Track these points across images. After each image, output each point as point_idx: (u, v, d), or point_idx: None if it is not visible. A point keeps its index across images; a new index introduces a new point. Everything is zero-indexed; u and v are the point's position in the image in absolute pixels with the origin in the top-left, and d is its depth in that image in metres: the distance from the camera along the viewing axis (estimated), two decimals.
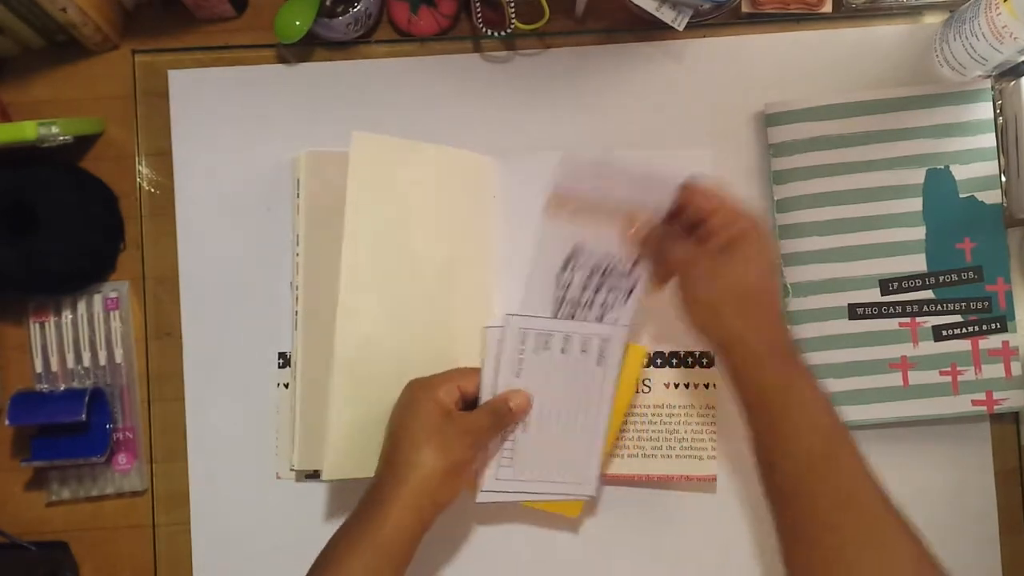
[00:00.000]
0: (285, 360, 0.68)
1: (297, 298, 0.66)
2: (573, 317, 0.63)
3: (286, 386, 0.68)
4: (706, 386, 0.67)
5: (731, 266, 0.56)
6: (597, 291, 0.63)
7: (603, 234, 0.61)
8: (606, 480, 0.67)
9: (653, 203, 0.59)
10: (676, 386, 0.68)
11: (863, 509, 0.52)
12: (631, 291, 0.63)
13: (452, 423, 0.58)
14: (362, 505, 0.58)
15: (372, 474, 0.60)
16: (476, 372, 0.62)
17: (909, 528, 0.52)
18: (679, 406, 0.67)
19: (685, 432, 0.67)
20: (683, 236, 0.59)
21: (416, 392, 0.60)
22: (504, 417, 0.61)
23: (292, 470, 0.67)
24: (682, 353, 0.68)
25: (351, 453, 0.61)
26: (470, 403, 0.62)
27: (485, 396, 0.62)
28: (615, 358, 0.64)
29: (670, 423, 0.67)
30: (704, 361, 0.68)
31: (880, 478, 0.53)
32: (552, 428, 0.63)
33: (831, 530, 0.51)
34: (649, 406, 0.67)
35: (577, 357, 0.63)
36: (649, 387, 0.68)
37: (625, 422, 0.66)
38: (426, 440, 0.57)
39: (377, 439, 0.61)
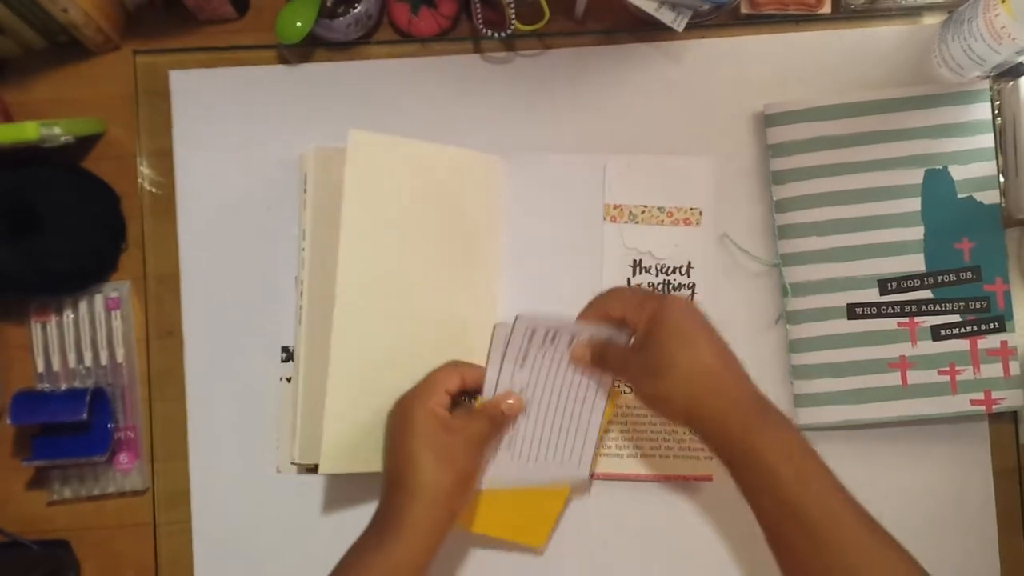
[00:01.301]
0: (288, 354, 0.68)
1: (301, 292, 0.67)
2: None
3: (288, 380, 0.68)
4: None
5: (652, 358, 0.56)
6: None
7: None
8: (606, 477, 0.67)
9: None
10: None
11: (843, 538, 0.50)
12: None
13: (453, 434, 0.58)
14: (373, 526, 0.57)
15: (367, 468, 0.62)
16: (460, 368, 0.62)
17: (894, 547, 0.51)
18: None
19: (683, 432, 0.67)
20: (617, 347, 0.61)
21: (408, 407, 0.59)
22: (500, 421, 0.61)
23: (293, 464, 0.67)
24: None
25: (347, 448, 0.62)
26: (468, 394, 0.62)
27: (489, 385, 0.62)
28: None
29: (668, 423, 0.67)
30: None
31: (854, 500, 0.52)
32: (550, 416, 0.64)
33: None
34: None
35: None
36: None
37: (617, 414, 0.67)
38: (431, 455, 0.56)
39: (373, 434, 0.62)
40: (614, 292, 0.61)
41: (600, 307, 0.61)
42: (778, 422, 0.54)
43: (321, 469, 0.62)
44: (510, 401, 0.62)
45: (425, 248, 0.65)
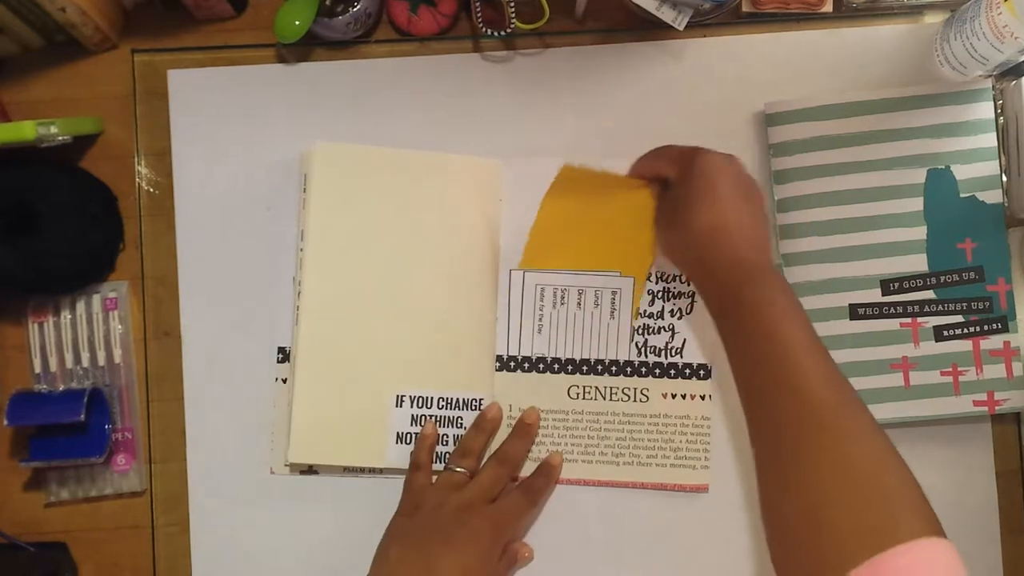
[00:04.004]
0: (284, 355, 0.68)
1: (299, 293, 0.66)
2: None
3: (284, 381, 0.68)
4: (702, 397, 0.68)
5: (672, 209, 0.61)
6: None
7: None
8: (601, 484, 0.67)
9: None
10: (673, 396, 0.68)
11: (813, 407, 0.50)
12: None
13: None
14: None
15: (331, 462, 0.66)
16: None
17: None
18: (675, 416, 0.68)
19: (680, 442, 0.67)
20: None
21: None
22: (552, 476, 0.66)
23: (287, 465, 0.67)
24: (680, 364, 0.68)
25: (313, 441, 0.66)
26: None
27: (511, 348, 0.67)
28: (626, 308, 0.68)
29: (666, 432, 0.67)
30: (701, 373, 0.68)
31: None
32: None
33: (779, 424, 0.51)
34: (646, 415, 0.67)
35: (591, 311, 0.67)
36: (647, 396, 0.68)
37: (614, 422, 0.68)
38: None
39: (336, 432, 0.66)
40: (657, 149, 0.64)
41: (646, 163, 0.65)
42: (768, 283, 0.55)
43: (290, 458, 0.65)
44: (531, 416, 0.66)
45: (403, 252, 0.67)
